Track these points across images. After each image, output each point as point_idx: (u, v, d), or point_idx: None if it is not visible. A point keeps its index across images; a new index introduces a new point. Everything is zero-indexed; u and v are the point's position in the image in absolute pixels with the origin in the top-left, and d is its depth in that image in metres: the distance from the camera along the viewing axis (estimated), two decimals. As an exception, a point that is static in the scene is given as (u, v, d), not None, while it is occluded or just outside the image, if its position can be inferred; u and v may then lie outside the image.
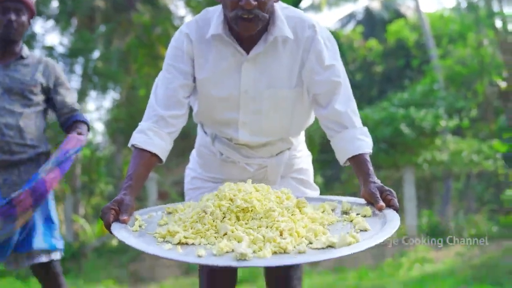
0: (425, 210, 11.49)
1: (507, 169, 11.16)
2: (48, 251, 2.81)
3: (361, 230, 1.60)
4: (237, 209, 1.64)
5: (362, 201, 1.83)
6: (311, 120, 2.19)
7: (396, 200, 1.72)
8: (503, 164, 11.07)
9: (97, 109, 14.15)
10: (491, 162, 10.93)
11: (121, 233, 1.60)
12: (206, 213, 1.64)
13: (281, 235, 1.54)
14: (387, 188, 1.77)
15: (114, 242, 9.26)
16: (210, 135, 2.17)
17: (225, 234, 1.58)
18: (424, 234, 9.75)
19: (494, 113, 12.33)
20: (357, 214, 1.74)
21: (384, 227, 1.59)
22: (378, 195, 1.75)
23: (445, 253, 8.44)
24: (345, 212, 1.79)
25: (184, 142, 7.18)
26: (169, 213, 1.88)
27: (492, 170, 11.27)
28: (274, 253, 1.47)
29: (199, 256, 1.45)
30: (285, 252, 1.47)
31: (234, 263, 1.41)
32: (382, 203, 1.71)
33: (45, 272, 2.86)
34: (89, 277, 7.61)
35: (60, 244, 2.86)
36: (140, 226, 1.72)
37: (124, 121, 11.75)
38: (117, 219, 1.69)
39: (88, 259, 8.52)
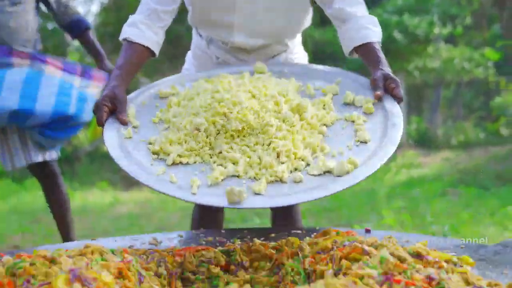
0: (414, 117, 11.60)
1: (497, 76, 11.19)
2: (43, 149, 2.84)
3: (361, 142, 1.58)
4: (232, 131, 1.59)
5: (364, 80, 1.80)
6: (307, 23, 2.16)
7: (400, 90, 1.68)
8: (494, 72, 11.08)
9: (84, 14, 13.85)
10: (482, 70, 10.94)
11: (112, 145, 1.58)
12: (199, 131, 1.60)
13: (278, 157, 1.52)
14: (392, 76, 1.72)
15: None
16: (205, 38, 2.15)
17: (220, 152, 1.56)
18: (413, 140, 9.90)
19: (488, 21, 12.19)
20: (360, 107, 1.71)
21: (385, 140, 1.55)
22: (381, 83, 1.71)
23: (432, 159, 8.61)
24: (348, 104, 1.74)
25: (177, 47, 7.10)
26: (162, 97, 1.84)
27: (483, 77, 11.30)
28: (270, 182, 1.46)
29: (193, 194, 1.43)
30: (281, 181, 1.46)
31: (227, 205, 1.39)
32: (379, 93, 1.68)
33: (40, 171, 2.90)
34: (83, 181, 7.75)
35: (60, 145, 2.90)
36: (134, 128, 1.69)
37: (112, 25, 11.51)
38: (110, 116, 1.68)
39: (81, 163, 8.63)
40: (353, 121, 1.66)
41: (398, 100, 1.69)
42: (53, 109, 2.69)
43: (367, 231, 1.61)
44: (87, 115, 2.82)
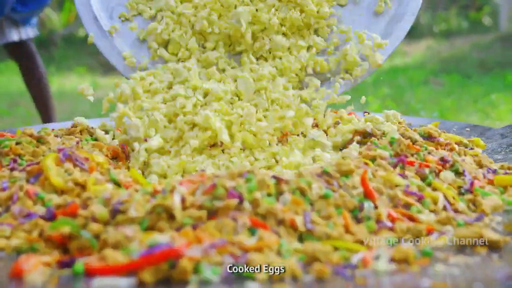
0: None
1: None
2: (18, 26, 2.69)
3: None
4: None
5: None
6: None
7: None
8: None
9: None
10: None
11: (88, 20, 1.45)
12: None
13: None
14: None
15: (82, 32, 9.04)
16: None
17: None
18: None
19: None
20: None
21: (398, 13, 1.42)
22: None
23: (415, 47, 8.52)
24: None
25: None
26: None
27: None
28: None
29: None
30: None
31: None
32: None
33: (17, 50, 2.78)
34: (60, 66, 7.54)
35: (34, 20, 2.75)
36: None
37: None
38: None
39: (57, 48, 8.37)
40: None
41: None
42: None
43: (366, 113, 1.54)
44: None
